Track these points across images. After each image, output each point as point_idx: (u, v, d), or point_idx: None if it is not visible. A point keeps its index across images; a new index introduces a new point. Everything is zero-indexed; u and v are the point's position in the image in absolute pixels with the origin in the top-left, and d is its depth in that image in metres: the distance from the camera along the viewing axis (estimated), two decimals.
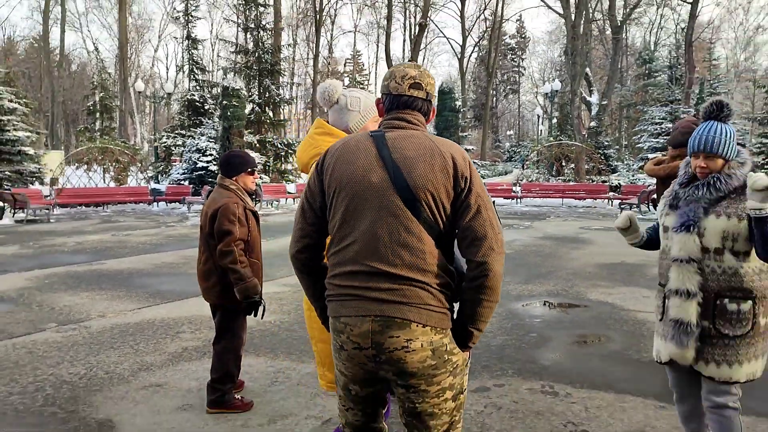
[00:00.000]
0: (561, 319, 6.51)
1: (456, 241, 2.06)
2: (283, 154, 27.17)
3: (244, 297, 3.76)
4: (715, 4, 51.92)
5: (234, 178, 3.98)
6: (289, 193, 24.35)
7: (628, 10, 35.30)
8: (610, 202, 22.96)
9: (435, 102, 2.23)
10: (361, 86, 50.98)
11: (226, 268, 3.73)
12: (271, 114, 28.03)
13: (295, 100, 52.95)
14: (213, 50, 55.35)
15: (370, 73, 68.40)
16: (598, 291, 7.77)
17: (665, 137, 24.82)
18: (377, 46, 58.75)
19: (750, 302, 2.61)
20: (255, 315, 3.89)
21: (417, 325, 1.94)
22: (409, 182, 1.95)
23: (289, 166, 27.68)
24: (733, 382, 2.68)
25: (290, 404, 4.11)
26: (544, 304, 7.12)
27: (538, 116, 43.23)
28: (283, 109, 32.78)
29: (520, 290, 7.67)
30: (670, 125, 25.74)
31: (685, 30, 31.44)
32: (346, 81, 65.82)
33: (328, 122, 3.09)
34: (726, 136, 2.67)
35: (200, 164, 23.92)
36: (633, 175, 26.54)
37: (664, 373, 4.75)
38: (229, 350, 3.94)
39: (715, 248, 2.62)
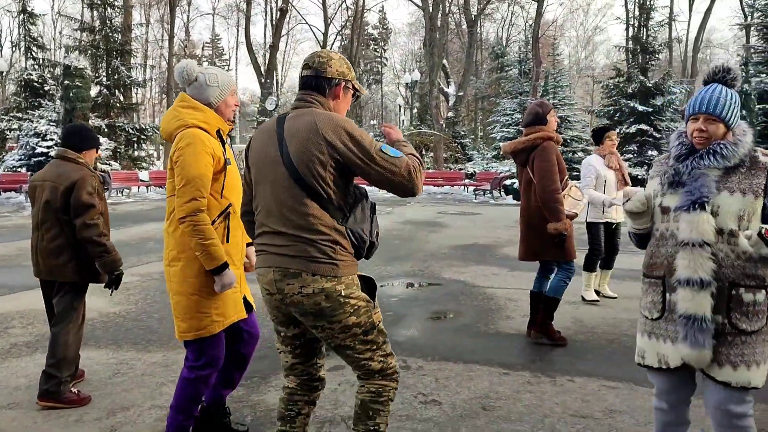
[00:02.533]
0: (417, 297, 6.69)
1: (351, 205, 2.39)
2: (135, 139, 25.66)
3: (111, 270, 3.69)
4: (558, 4, 55.85)
5: (83, 152, 3.82)
6: (141, 180, 23.02)
7: (481, 5, 36.96)
8: (466, 188, 24.02)
9: (339, 78, 2.45)
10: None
11: (90, 242, 3.62)
12: (121, 97, 26.35)
13: (149, 83, 50.17)
14: (55, 27, 51.01)
15: (230, 57, 66.39)
16: (452, 270, 8.08)
17: (515, 127, 26.36)
18: (237, 30, 57.00)
19: (764, 291, 2.30)
20: (116, 289, 3.80)
21: (306, 274, 2.28)
22: (291, 157, 2.30)
23: (143, 153, 26.21)
24: (751, 387, 2.30)
25: (133, 395, 3.86)
26: (402, 284, 7.29)
27: (400, 106, 44.23)
28: (135, 93, 30.95)
29: (380, 272, 7.79)
30: (520, 116, 27.36)
31: (532, 27, 33.49)
32: (205, 65, 63.30)
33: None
34: (732, 99, 2.36)
35: (39, 150, 21.97)
36: (487, 164, 27.91)
37: (508, 343, 5.06)
38: (70, 332, 3.69)
39: (730, 230, 2.30)
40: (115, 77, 26.00)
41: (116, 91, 26.05)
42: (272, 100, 27.37)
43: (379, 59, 63.14)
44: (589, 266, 6.17)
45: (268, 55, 38.17)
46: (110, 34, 25.81)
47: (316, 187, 2.29)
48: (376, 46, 63.43)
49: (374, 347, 2.43)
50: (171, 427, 2.97)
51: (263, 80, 34.57)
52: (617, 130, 26.89)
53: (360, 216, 2.41)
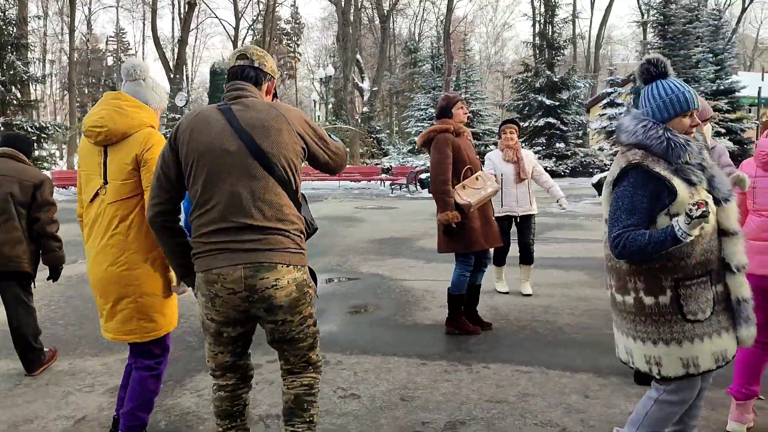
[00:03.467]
0: (335, 292, 6.67)
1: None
2: (35, 138, 24.22)
3: (58, 264, 4.13)
4: (468, 0, 57.06)
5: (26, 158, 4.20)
6: None
7: (393, 0, 37.25)
8: (383, 183, 24.19)
9: (272, 75, 2.54)
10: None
11: (51, 236, 4.05)
12: (18, 94, 24.78)
13: (49, 79, 47.50)
14: None
15: (136, 52, 63.80)
16: (370, 264, 8.11)
17: (430, 122, 26.75)
18: (144, 24, 54.92)
19: None
20: (55, 280, 4.22)
21: (282, 266, 2.30)
22: (264, 148, 2.29)
23: (44, 152, 24.80)
24: None
25: (37, 406, 3.65)
26: (320, 280, 7.24)
27: (315, 101, 43.95)
28: (34, 89, 29.19)
29: None
30: (434, 111, 27.81)
31: (443, 22, 34.07)
32: (110, 60, 60.64)
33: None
34: None
35: None
36: (403, 158, 28.23)
37: (425, 334, 5.14)
38: (32, 320, 4.17)
39: None
40: (11, 72, 24.41)
41: (12, 87, 24.46)
42: (182, 96, 26.54)
43: (292, 54, 62.40)
44: (494, 259, 6.13)
45: (176, 50, 36.98)
46: (4, 27, 24.21)
47: (289, 177, 2.35)
48: (289, 41, 62.67)
49: (316, 338, 2.52)
50: (137, 427, 2.97)
51: (172, 75, 33.48)
52: (527, 124, 27.99)
53: (305, 205, 2.54)
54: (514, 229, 6.22)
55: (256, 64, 2.47)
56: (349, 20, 29.12)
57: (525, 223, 6.18)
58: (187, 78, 42.23)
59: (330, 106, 36.58)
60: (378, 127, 31.15)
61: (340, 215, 14.28)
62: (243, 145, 2.29)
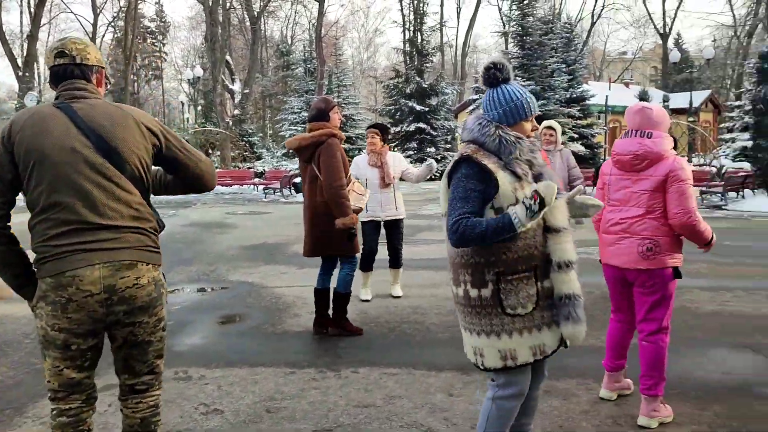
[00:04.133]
0: (201, 302, 6.42)
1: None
2: None
3: None
4: (340, 5, 57.42)
5: None
6: None
7: (264, 2, 36.69)
8: (256, 187, 23.72)
9: (99, 66, 2.40)
10: None
11: None
12: None
13: None
14: None
15: None
16: (240, 272, 7.89)
17: (303, 125, 26.58)
18: None
19: None
20: None
21: (142, 264, 2.26)
22: (114, 146, 2.23)
23: None
24: None
25: None
26: (185, 290, 6.95)
27: (183, 103, 42.28)
28: None
29: None
30: (307, 114, 27.67)
31: (315, 26, 34.04)
32: None
33: None
34: None
35: None
36: (277, 162, 27.83)
37: (295, 341, 5.05)
38: None
39: None
40: None
41: None
42: (32, 96, 24.51)
43: (158, 53, 59.73)
44: (361, 265, 6.08)
45: (26, 46, 34.14)
46: None
47: (142, 175, 2.32)
48: (154, 40, 59.91)
49: (164, 345, 2.46)
50: None
51: (21, 74, 30.85)
52: (399, 129, 28.57)
53: (152, 205, 2.48)
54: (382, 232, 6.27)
55: (78, 60, 2.34)
56: (217, 20, 28.31)
57: (392, 227, 6.20)
58: (39, 76, 39.08)
59: (199, 108, 35.34)
60: (250, 130, 30.49)
61: (209, 221, 13.81)
62: (91, 144, 2.22)
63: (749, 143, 18.26)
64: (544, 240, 2.45)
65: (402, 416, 3.53)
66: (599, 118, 30.34)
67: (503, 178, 2.40)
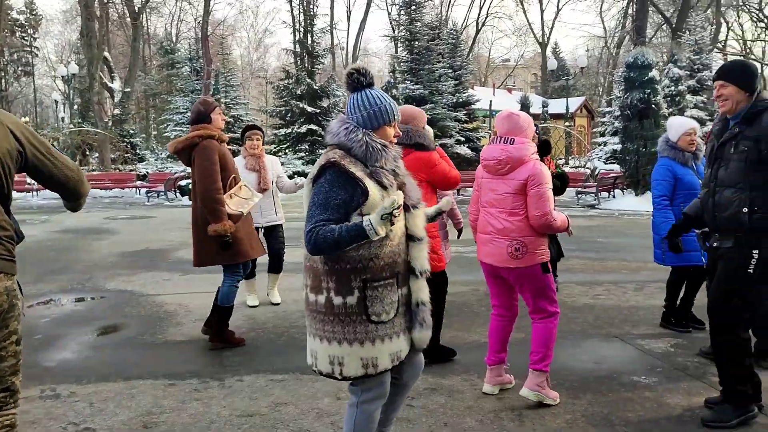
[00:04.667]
0: (74, 314, 6.00)
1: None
2: None
3: None
4: (227, 3, 56.10)
5: None
6: None
7: None
8: (138, 191, 22.64)
9: None
10: None
11: None
12: None
13: None
14: None
15: None
16: (118, 280, 7.46)
17: (188, 126, 25.67)
18: None
19: None
20: None
21: None
22: None
23: None
24: None
25: None
26: (56, 302, 6.46)
27: (57, 102, 39.59)
28: None
29: (29, 290, 6.78)
30: None
31: (201, 24, 32.99)
32: None
33: None
34: None
35: None
36: (162, 164, 26.69)
37: (177, 351, 4.81)
38: None
39: None
40: None
41: None
42: None
43: (28, 49, 55.70)
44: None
45: None
46: None
47: (4, 182, 2.22)
48: (24, 34, 55.80)
49: (20, 360, 2.33)
50: None
51: None
52: (290, 130, 28.23)
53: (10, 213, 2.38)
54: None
55: None
56: (94, 14, 26.77)
57: (272, 233, 6.02)
58: None
59: (75, 107, 33.19)
60: (132, 131, 29.03)
61: (85, 227, 12.98)
62: None
63: (618, 147, 19.60)
64: (405, 248, 2.50)
65: (288, 423, 3.46)
66: (484, 122, 31.49)
67: (372, 186, 2.40)
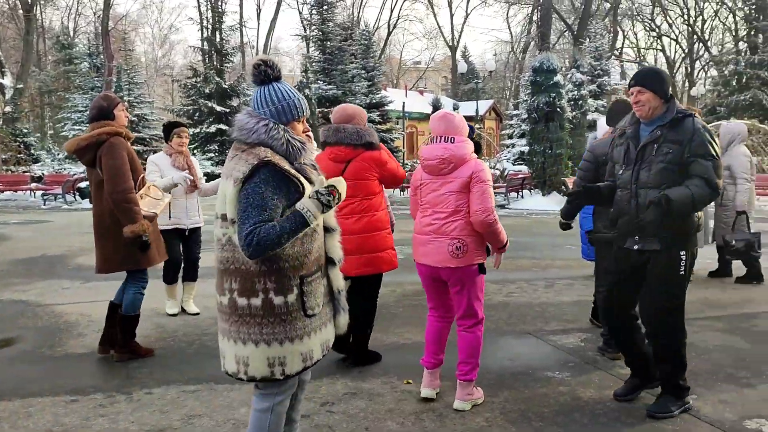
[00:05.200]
0: None
1: None
2: None
3: None
4: None
5: None
6: None
7: None
8: (33, 193, 21.26)
9: None
10: None
11: None
12: None
13: None
14: None
15: None
16: (12, 290, 6.94)
17: (87, 125, 24.41)
18: None
19: None
20: None
21: None
22: None
23: None
24: None
25: None
26: None
27: None
28: None
29: None
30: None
31: (101, 18, 31.45)
32: None
33: None
34: None
35: None
36: (59, 165, 25.22)
37: (78, 364, 4.49)
38: None
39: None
40: None
41: None
42: None
43: None
44: (164, 276, 5.65)
45: None
46: None
47: None
48: None
49: None
50: None
51: None
52: (198, 130, 27.43)
53: None
54: None
55: None
56: None
57: (193, 236, 5.72)
58: None
59: None
60: (26, 130, 27.23)
61: None
62: None
63: (526, 148, 20.30)
64: (323, 240, 2.54)
65: None
66: (397, 123, 31.79)
67: (305, 182, 2.41)
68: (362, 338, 4.37)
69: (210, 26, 30.02)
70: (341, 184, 2.42)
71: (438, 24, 57.17)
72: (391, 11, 52.82)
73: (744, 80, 26.62)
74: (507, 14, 50.58)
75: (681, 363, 3.55)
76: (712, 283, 7.10)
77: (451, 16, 51.82)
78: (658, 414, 3.49)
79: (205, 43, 29.95)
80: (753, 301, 6.30)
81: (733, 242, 6.46)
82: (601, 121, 5.30)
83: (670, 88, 3.52)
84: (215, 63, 29.10)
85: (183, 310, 5.81)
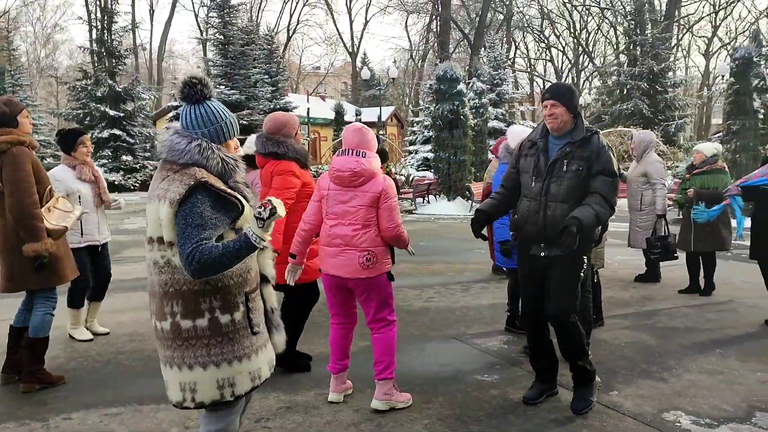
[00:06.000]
0: None
1: None
2: None
3: None
4: None
5: None
6: None
7: None
8: None
9: None
10: None
11: None
12: None
13: None
14: None
15: None
16: None
17: None
18: None
19: None
20: None
21: None
22: None
23: None
24: None
25: None
26: None
27: None
28: None
29: None
30: None
31: None
32: None
33: None
34: None
35: None
36: None
37: None
38: None
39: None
40: None
41: None
42: None
43: None
44: (71, 301, 5.13)
45: None
46: None
47: None
48: None
49: None
50: None
51: None
52: (90, 135, 26.00)
53: None
54: None
55: None
56: None
57: (104, 252, 5.33)
58: None
59: None
60: None
61: None
62: None
63: (431, 155, 20.72)
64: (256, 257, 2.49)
65: None
66: (301, 129, 31.57)
67: (243, 200, 2.37)
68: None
69: (100, 26, 28.55)
70: (279, 203, 2.29)
71: (338, 30, 57.41)
72: (291, 16, 52.32)
73: (625, 90, 28.49)
74: (406, 23, 51.57)
75: (585, 354, 3.73)
76: (614, 283, 7.54)
77: (351, 22, 52.31)
78: (583, 410, 3.68)
79: (95, 44, 28.45)
80: (652, 299, 6.75)
81: (659, 244, 6.83)
82: (514, 129, 5.43)
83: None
84: (107, 65, 27.70)
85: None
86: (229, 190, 2.32)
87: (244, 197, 2.41)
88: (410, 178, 20.94)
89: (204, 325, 2.29)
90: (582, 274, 3.67)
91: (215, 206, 2.26)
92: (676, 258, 6.82)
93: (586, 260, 3.68)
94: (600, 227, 3.75)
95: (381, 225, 3.60)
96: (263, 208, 2.19)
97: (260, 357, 2.41)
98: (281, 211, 2.24)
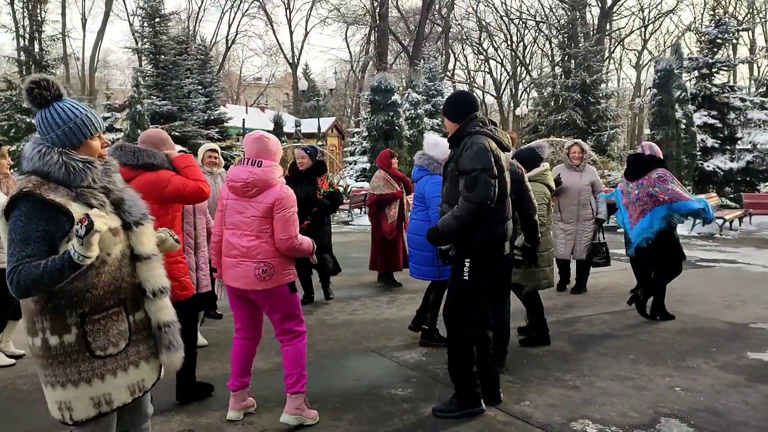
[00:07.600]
0: None
1: None
2: None
3: None
4: None
5: None
6: None
7: None
8: None
9: None
10: None
11: None
12: None
13: None
14: None
15: None
16: None
17: None
18: None
19: None
20: None
21: None
22: None
23: None
24: None
25: None
26: None
27: None
28: None
29: None
30: None
31: None
32: None
33: None
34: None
35: None
36: None
37: None
38: None
39: None
40: None
41: None
42: None
43: None
44: None
45: None
46: None
47: None
48: None
49: None
50: None
51: None
52: (15, 147, 24.92)
53: None
54: None
55: None
56: None
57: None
58: None
59: None
60: None
61: None
62: None
63: (368, 165, 20.72)
64: (132, 270, 2.28)
65: None
66: (238, 141, 31.08)
67: (78, 209, 2.13)
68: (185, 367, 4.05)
69: (27, 35, 27.48)
70: (96, 214, 2.05)
71: (278, 41, 57.02)
72: (229, 26, 51.58)
73: (560, 102, 29.22)
74: (346, 34, 51.54)
75: (468, 366, 3.75)
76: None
77: (291, 33, 51.80)
78: (439, 413, 3.77)
79: (22, 53, 27.35)
80: (574, 306, 6.84)
81: (604, 249, 7.10)
82: (430, 138, 5.48)
83: (463, 110, 3.80)
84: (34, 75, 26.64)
85: None
86: (57, 201, 2.10)
87: (90, 204, 2.16)
88: (348, 189, 20.85)
89: (38, 344, 2.20)
90: (466, 276, 3.70)
91: (42, 218, 2.08)
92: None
93: (469, 262, 3.69)
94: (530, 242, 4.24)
95: (275, 236, 3.49)
96: (80, 224, 1.98)
97: (108, 382, 2.22)
98: (99, 225, 2.00)
